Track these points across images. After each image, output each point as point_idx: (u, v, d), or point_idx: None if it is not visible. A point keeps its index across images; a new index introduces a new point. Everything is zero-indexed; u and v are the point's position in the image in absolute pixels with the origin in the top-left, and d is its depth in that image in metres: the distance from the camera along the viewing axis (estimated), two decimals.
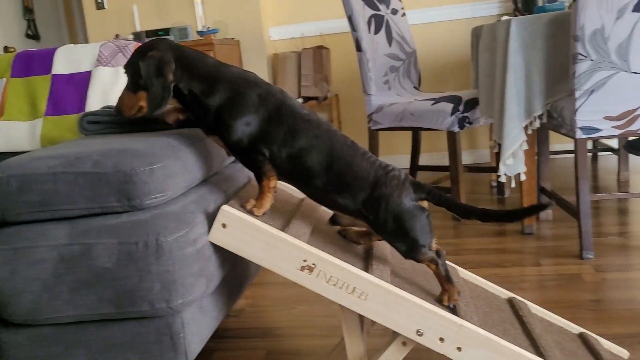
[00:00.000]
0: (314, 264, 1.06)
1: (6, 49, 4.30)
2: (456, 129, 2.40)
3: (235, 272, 1.29)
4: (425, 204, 1.11)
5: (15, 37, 4.50)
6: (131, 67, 1.10)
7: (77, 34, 5.27)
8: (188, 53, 1.11)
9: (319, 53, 3.46)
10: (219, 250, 1.11)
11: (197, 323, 1.08)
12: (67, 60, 1.71)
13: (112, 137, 1.22)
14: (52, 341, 1.04)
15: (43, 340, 1.04)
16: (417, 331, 1.01)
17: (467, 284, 1.29)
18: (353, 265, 1.08)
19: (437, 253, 1.11)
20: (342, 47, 3.63)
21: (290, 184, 1.14)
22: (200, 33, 3.35)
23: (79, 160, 1.01)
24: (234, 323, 1.65)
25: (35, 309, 1.00)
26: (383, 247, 1.26)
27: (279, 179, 1.11)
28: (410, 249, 1.09)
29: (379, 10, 2.74)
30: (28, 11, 4.70)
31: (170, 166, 1.04)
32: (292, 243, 1.06)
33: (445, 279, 1.11)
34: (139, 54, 1.09)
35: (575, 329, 1.32)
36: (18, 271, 0.99)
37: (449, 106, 2.40)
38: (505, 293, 1.35)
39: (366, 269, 1.11)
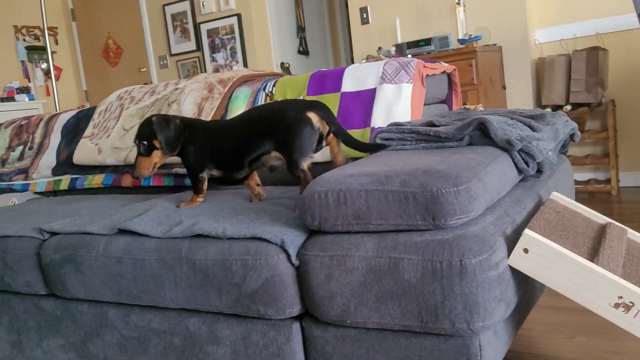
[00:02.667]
0: (631, 302, 0.95)
1: (282, 65, 4.90)
2: None
3: (525, 296, 1.24)
4: (316, 119, 1.35)
5: (289, 53, 5.09)
6: (140, 137, 1.49)
7: (339, 49, 5.73)
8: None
9: (594, 55, 3.13)
10: (517, 274, 1.08)
11: (493, 347, 1.06)
12: (354, 78, 1.85)
13: (408, 155, 1.27)
14: (355, 343, 1.13)
15: (347, 340, 1.14)
16: None
17: None
18: None
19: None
20: (623, 46, 3.23)
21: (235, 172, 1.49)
22: (461, 41, 3.32)
23: (388, 179, 1.07)
24: (511, 346, 1.59)
25: (345, 311, 1.10)
26: None
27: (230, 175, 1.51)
28: (290, 161, 1.34)
29: None
30: (301, 30, 5.28)
31: (474, 188, 1.05)
32: (605, 276, 0.97)
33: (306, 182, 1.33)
34: (142, 126, 1.49)
35: None
36: (333, 276, 1.10)
37: None
38: None
39: None
